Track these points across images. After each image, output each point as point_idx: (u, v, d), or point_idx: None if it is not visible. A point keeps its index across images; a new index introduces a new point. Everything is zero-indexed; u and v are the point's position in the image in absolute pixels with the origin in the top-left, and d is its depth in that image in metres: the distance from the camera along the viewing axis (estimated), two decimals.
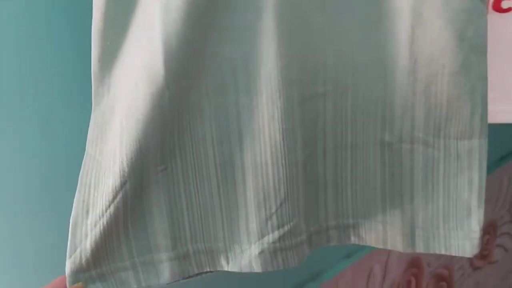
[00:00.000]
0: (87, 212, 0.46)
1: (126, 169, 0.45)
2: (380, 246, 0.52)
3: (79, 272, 0.46)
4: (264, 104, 0.46)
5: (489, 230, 1.28)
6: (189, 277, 0.50)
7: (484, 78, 0.46)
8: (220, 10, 0.44)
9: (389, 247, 0.52)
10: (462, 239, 0.50)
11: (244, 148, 0.47)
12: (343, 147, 0.50)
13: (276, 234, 0.48)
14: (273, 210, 0.48)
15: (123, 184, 0.45)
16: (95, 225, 0.46)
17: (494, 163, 1.21)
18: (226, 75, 0.46)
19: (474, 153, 0.48)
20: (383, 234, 0.52)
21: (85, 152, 0.46)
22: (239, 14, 0.44)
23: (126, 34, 0.46)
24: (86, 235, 0.46)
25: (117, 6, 0.45)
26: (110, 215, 0.46)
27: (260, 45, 0.45)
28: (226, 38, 0.45)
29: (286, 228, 0.48)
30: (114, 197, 0.45)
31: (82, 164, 0.47)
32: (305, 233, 0.51)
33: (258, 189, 0.48)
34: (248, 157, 0.47)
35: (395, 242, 0.52)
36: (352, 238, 0.53)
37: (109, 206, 0.46)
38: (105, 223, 0.46)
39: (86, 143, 0.47)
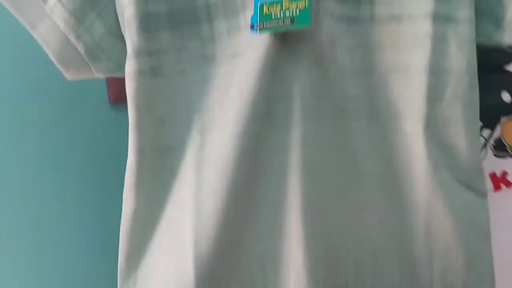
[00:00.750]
0: None
1: None
2: None
3: None
4: None
5: None
6: None
7: (491, 263, 0.50)
8: (248, 210, 0.48)
9: None
10: None
11: None
12: None
13: None
14: None
15: None
16: None
17: None
18: (255, 275, 0.48)
19: None
20: None
21: None
22: (267, 215, 0.48)
23: (154, 233, 0.50)
24: None
25: (147, 205, 0.49)
26: None
27: (288, 245, 0.48)
28: (255, 238, 0.48)
29: None
30: None
31: None
32: None
33: None
34: None
35: None
36: None
37: None
38: None
39: None
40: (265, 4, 0.48)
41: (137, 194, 0.50)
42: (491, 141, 0.88)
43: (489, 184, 0.89)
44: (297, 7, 0.46)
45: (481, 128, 0.88)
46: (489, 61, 0.77)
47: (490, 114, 0.87)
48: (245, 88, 0.48)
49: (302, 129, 0.48)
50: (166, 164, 0.51)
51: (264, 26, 0.48)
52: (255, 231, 0.49)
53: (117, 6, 0.51)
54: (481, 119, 0.85)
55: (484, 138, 0.88)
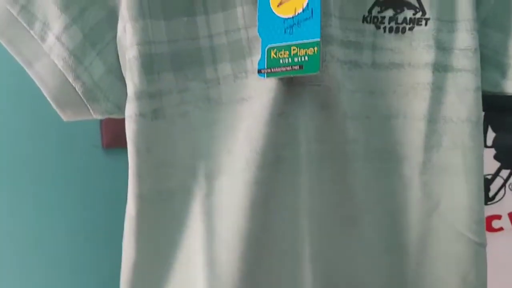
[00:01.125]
0: None
1: None
2: None
3: None
4: None
5: None
6: None
7: None
8: (262, 260, 0.47)
9: None
10: None
11: None
12: None
13: None
14: None
15: None
16: None
17: None
18: None
19: None
20: None
21: None
22: (280, 265, 0.48)
23: (158, 285, 0.48)
24: None
25: (149, 255, 0.48)
26: None
27: None
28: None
29: None
30: None
31: None
32: None
33: None
34: None
35: None
36: None
37: None
38: None
39: None
40: (273, 49, 0.46)
41: (138, 243, 0.48)
42: (510, 181, 0.86)
43: (509, 224, 0.88)
44: (305, 53, 0.45)
45: (500, 169, 0.87)
46: (508, 102, 0.74)
47: (509, 155, 0.85)
48: (254, 134, 0.48)
49: (309, 173, 0.48)
50: (168, 211, 0.49)
51: (272, 71, 0.47)
52: (270, 282, 0.48)
53: (118, 47, 0.49)
54: (501, 159, 0.85)
55: (503, 178, 0.86)
